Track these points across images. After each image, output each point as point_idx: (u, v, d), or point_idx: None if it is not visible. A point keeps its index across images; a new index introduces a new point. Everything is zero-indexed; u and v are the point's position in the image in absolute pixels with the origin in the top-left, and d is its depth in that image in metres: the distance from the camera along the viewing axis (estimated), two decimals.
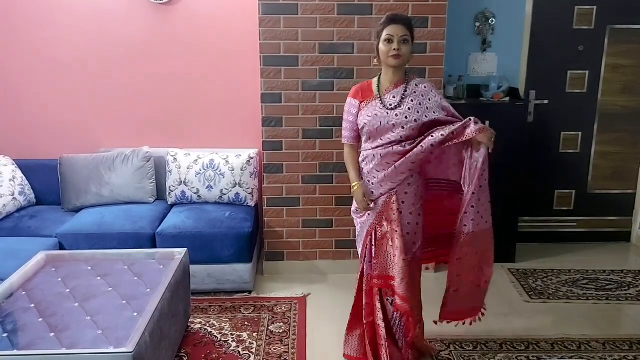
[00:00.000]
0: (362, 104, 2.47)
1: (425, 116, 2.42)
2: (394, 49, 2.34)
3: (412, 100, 2.41)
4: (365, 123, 2.45)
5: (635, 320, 3.28)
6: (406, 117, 2.40)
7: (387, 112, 2.41)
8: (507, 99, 3.99)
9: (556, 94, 4.26)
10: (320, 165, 3.70)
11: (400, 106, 2.41)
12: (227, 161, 3.77)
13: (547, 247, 4.37)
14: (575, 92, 4.26)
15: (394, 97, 2.42)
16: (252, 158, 3.81)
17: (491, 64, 4.18)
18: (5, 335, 2.21)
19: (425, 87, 2.46)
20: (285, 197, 3.76)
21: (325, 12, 3.48)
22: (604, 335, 3.07)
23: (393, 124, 2.40)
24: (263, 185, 3.76)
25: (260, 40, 3.52)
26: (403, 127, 2.40)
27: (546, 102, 4.26)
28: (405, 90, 2.43)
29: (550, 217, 4.47)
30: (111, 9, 3.85)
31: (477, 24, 4.11)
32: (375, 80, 2.51)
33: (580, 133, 4.34)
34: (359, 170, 2.57)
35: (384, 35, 2.37)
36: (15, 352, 2.09)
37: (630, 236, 4.51)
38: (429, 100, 2.44)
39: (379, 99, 2.44)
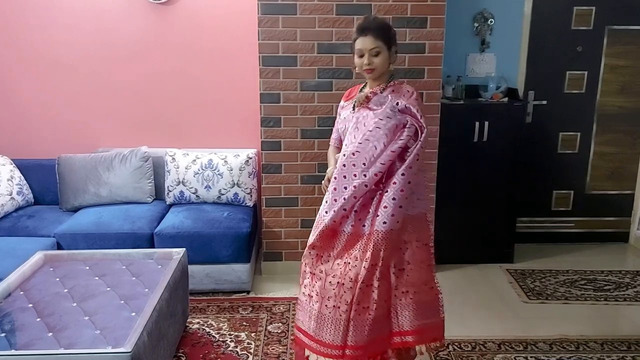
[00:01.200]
0: (345, 103, 2.45)
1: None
2: (365, 64, 2.24)
3: (376, 107, 2.29)
4: (339, 125, 2.43)
5: (633, 321, 3.28)
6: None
7: (352, 116, 2.34)
8: (506, 99, 3.99)
9: (555, 95, 4.26)
10: (319, 166, 3.70)
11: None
12: (225, 161, 3.77)
13: (545, 247, 4.37)
14: (573, 93, 4.27)
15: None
16: (250, 158, 3.81)
17: (490, 65, 4.18)
18: (3, 335, 2.21)
19: (397, 93, 2.26)
20: (284, 197, 3.76)
21: (324, 12, 3.48)
22: (602, 335, 3.07)
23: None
24: (261, 185, 3.76)
25: (259, 40, 3.52)
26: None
27: (545, 102, 4.26)
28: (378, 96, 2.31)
29: (548, 218, 4.47)
30: (109, 8, 3.85)
31: (476, 25, 4.11)
32: (365, 83, 2.45)
33: (578, 133, 4.35)
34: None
35: (355, 48, 2.26)
36: (13, 352, 2.08)
37: (628, 237, 4.51)
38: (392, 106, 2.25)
39: (354, 102, 2.38)
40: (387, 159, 2.13)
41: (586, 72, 4.24)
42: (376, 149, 2.14)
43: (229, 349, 2.91)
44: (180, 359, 2.81)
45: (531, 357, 2.85)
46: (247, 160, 3.78)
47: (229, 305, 3.39)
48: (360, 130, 2.23)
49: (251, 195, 3.82)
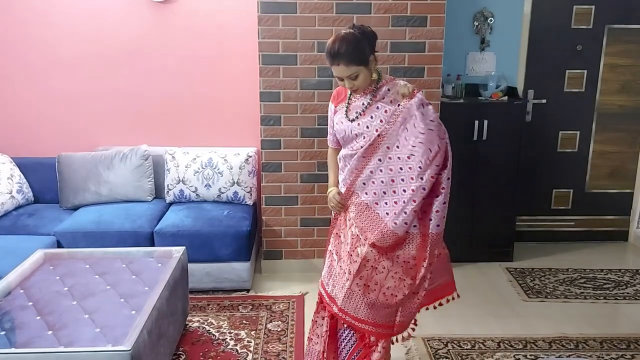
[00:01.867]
0: (336, 108, 2.39)
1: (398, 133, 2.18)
2: (348, 87, 2.23)
3: (377, 108, 2.22)
4: (335, 129, 2.38)
5: (633, 319, 3.29)
6: (367, 127, 2.24)
7: (350, 122, 2.28)
8: (506, 98, 3.99)
9: (554, 94, 4.26)
10: (318, 164, 3.70)
11: (363, 115, 2.25)
12: (225, 160, 3.77)
13: (544, 246, 4.38)
14: (573, 92, 4.27)
15: (363, 103, 2.27)
16: (250, 156, 3.81)
17: (489, 63, 4.18)
18: (3, 333, 2.21)
19: (402, 102, 2.19)
20: (284, 196, 3.76)
21: (324, 10, 3.48)
22: (601, 334, 3.08)
23: (356, 134, 2.27)
24: (261, 184, 3.76)
25: (259, 38, 3.52)
26: (364, 137, 2.23)
27: (544, 101, 4.26)
28: (372, 98, 2.25)
29: (548, 216, 4.47)
30: (109, 7, 3.85)
31: (476, 23, 4.11)
32: None
33: (578, 132, 4.35)
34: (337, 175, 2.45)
35: (333, 73, 2.24)
36: (13, 350, 2.08)
37: (627, 235, 4.52)
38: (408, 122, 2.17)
39: (346, 106, 2.32)
40: (440, 161, 2.16)
41: (586, 71, 4.24)
42: (431, 151, 2.13)
43: (229, 347, 2.91)
44: (180, 357, 2.81)
45: (530, 355, 2.86)
46: (247, 159, 3.79)
47: (228, 303, 3.39)
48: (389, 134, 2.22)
49: (251, 194, 3.82)
